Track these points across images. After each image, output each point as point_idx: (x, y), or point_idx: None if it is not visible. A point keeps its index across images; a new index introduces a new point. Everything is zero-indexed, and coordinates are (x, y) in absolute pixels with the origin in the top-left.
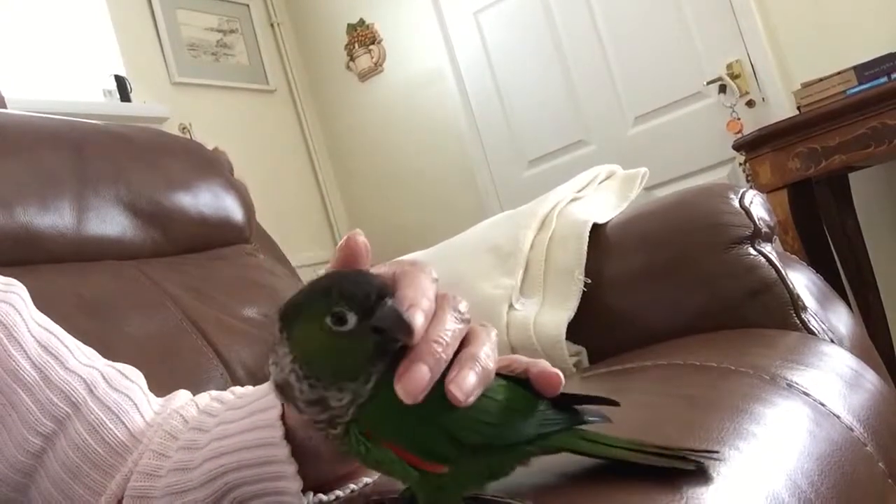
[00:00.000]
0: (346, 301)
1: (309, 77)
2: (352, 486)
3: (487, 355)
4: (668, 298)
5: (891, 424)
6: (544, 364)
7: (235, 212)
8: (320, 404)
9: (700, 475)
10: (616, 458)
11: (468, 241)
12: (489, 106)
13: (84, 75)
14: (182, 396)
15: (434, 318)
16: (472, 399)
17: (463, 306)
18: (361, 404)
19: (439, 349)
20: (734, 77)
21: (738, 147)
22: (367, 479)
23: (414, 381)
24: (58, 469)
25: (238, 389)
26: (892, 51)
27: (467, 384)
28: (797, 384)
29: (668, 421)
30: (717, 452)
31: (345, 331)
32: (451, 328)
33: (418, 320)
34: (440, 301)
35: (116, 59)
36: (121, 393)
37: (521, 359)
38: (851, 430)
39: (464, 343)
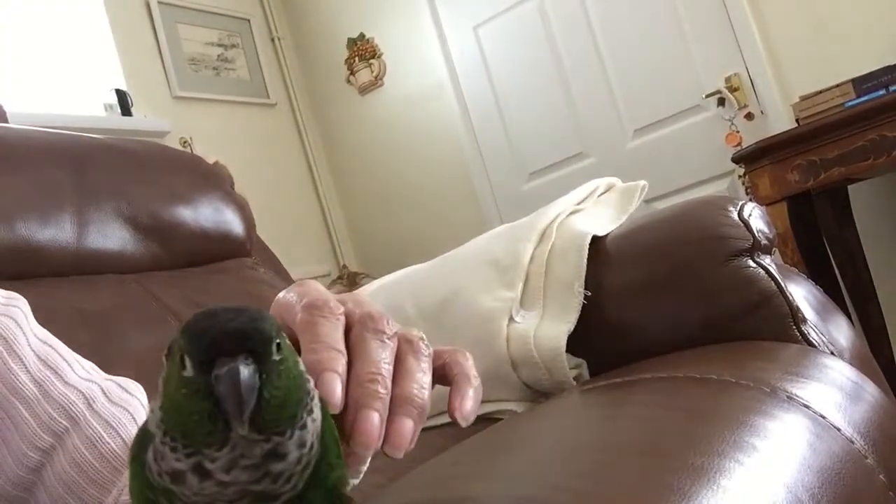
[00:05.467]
0: (189, 342)
1: (309, 91)
2: None
3: (421, 387)
4: (667, 311)
5: (891, 437)
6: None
7: (236, 225)
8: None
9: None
10: None
11: (468, 253)
12: (489, 119)
13: (85, 89)
14: None
15: (359, 351)
16: (412, 446)
17: (385, 324)
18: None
19: (379, 388)
20: (733, 90)
21: (737, 160)
22: (353, 481)
23: (367, 434)
24: (56, 484)
25: None
26: (890, 63)
27: (405, 437)
28: (797, 396)
29: (668, 434)
30: None
31: (186, 376)
32: (380, 358)
33: (336, 390)
34: (359, 328)
35: (117, 74)
36: (120, 407)
37: (463, 365)
38: (852, 442)
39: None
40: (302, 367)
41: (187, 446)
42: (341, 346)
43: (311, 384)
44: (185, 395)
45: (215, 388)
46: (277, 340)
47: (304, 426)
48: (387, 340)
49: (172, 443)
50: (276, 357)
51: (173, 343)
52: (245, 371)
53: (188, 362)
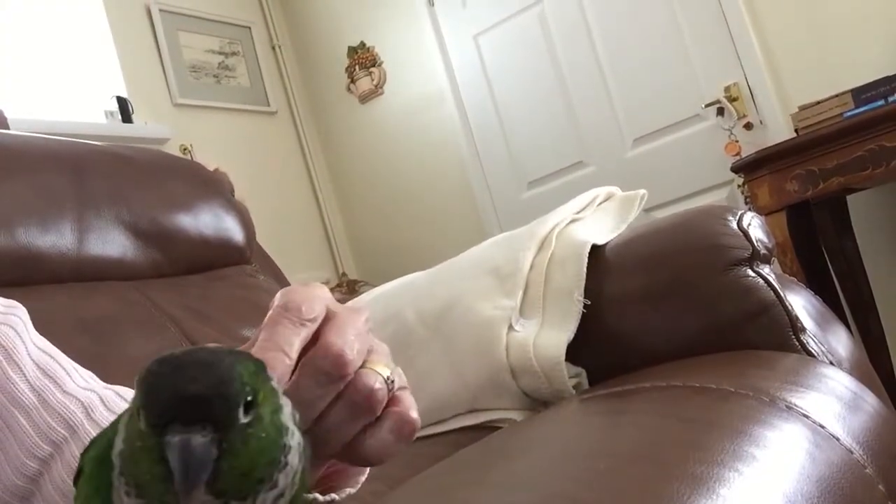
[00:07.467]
0: (144, 397)
1: (310, 99)
2: (333, 495)
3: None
4: (666, 320)
5: (890, 447)
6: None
7: (236, 232)
8: None
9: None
10: None
11: (467, 262)
12: (489, 128)
13: (86, 96)
14: None
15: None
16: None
17: (343, 366)
18: None
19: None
20: (732, 100)
21: (736, 169)
22: (349, 490)
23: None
24: (53, 494)
25: None
26: (889, 74)
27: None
28: (796, 406)
29: (668, 442)
30: None
31: (140, 430)
32: (315, 396)
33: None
34: (312, 355)
35: (118, 81)
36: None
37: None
38: (851, 452)
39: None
40: (286, 412)
41: (140, 496)
42: (292, 351)
43: (291, 431)
44: (140, 449)
45: (167, 455)
46: (249, 397)
47: (274, 485)
48: (330, 384)
49: (127, 487)
50: (244, 420)
51: (140, 381)
52: (199, 444)
53: (142, 418)
